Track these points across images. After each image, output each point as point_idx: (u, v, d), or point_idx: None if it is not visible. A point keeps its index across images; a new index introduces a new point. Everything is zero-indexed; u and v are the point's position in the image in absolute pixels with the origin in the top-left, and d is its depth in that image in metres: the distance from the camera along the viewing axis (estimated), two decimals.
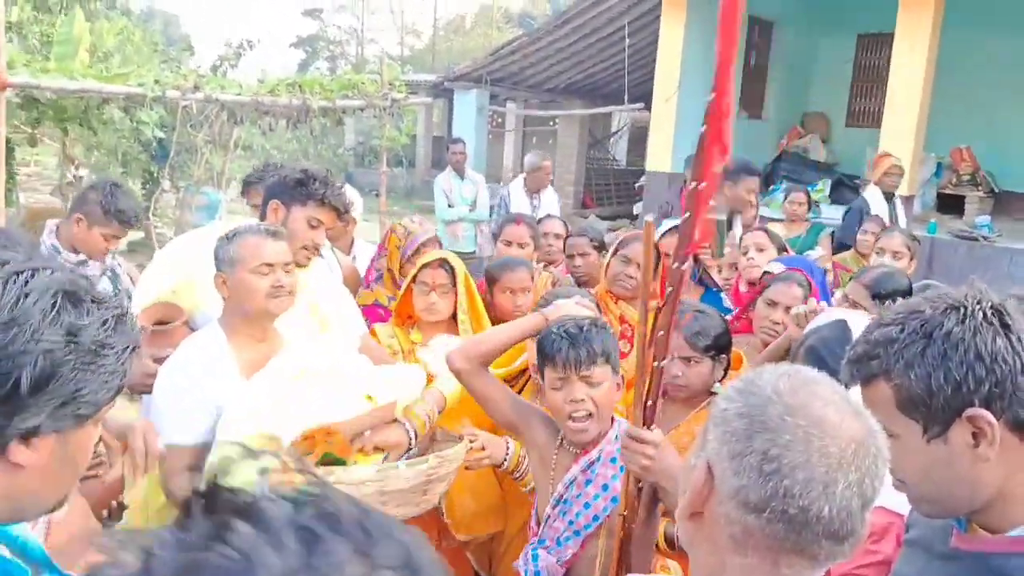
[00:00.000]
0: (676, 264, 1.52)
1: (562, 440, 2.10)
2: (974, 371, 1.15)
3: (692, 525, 1.03)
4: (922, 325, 1.20)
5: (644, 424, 1.71)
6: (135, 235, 10.29)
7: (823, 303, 2.65)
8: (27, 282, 0.98)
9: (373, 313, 3.28)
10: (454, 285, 2.80)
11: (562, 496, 2.04)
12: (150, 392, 2.37)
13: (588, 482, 2.03)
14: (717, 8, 1.46)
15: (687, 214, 1.48)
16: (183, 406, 2.10)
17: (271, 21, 42.77)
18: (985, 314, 1.18)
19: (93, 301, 1.04)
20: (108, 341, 1.03)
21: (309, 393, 1.97)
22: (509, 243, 3.82)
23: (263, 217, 2.69)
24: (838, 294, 3.43)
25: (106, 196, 3.12)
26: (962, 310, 1.19)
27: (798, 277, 3.01)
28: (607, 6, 12.23)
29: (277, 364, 2.16)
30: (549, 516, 2.06)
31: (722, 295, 3.84)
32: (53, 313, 0.98)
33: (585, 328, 1.99)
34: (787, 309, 2.84)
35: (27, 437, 1.00)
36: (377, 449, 2.03)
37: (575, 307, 2.14)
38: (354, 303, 3.00)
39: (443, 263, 2.82)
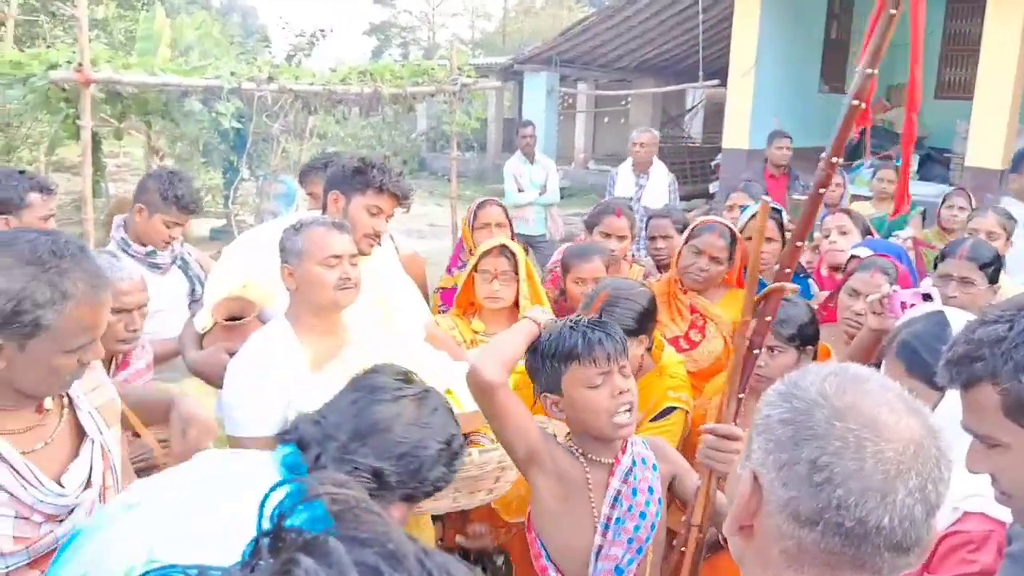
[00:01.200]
0: (796, 243, 1.42)
1: (584, 457, 1.91)
2: None
3: (742, 540, 0.96)
4: None
5: (734, 420, 1.62)
6: (217, 222, 10.59)
7: (895, 287, 2.47)
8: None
9: (449, 297, 3.32)
10: (516, 272, 2.76)
11: (610, 517, 1.85)
12: None
13: (634, 491, 1.87)
14: None
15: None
16: (253, 399, 2.11)
17: (345, 10, 43.38)
18: None
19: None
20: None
21: None
22: (608, 235, 3.63)
23: (324, 207, 2.69)
24: (926, 281, 3.24)
25: (164, 184, 3.14)
26: None
27: (882, 263, 2.84)
28: None
29: (349, 356, 2.15)
30: (601, 547, 1.84)
31: (809, 281, 3.68)
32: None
33: (597, 320, 1.91)
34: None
35: None
36: None
37: (543, 314, 1.98)
38: (416, 290, 2.99)
39: (503, 249, 2.79)
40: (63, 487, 1.54)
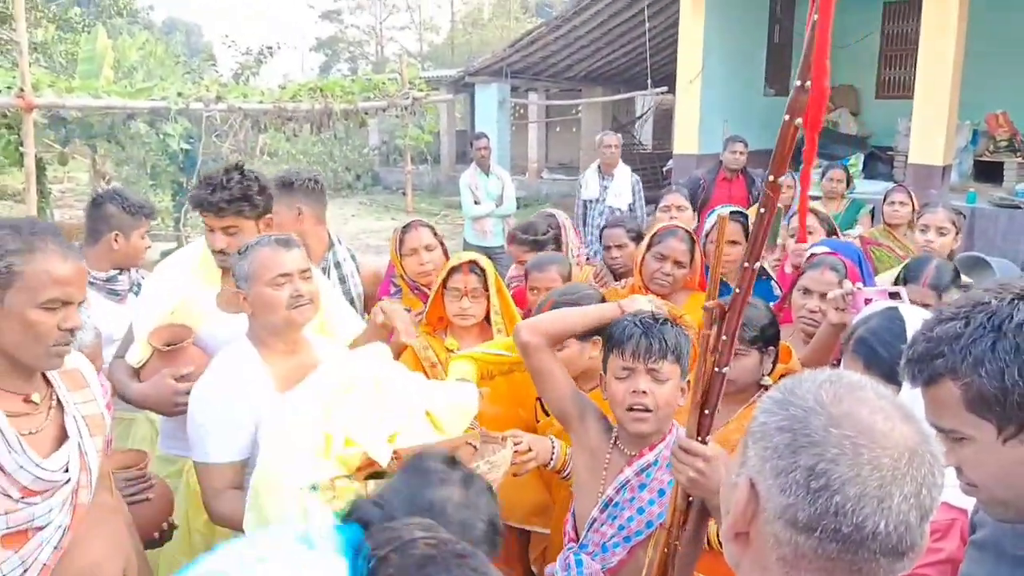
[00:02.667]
0: (746, 263, 1.43)
1: (616, 440, 2.01)
2: None
3: (737, 547, 0.97)
4: (989, 318, 1.13)
5: (698, 435, 1.63)
6: (167, 245, 10.43)
7: (858, 284, 2.53)
8: None
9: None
10: (486, 288, 2.74)
11: (612, 500, 1.95)
12: (179, 413, 2.38)
13: (642, 486, 1.94)
14: None
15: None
16: (221, 425, 2.08)
17: (291, 26, 42.99)
18: None
19: None
20: None
21: (367, 407, 1.92)
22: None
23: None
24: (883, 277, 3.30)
25: (121, 202, 3.14)
26: None
27: (831, 260, 2.89)
28: None
29: (320, 376, 2.13)
30: (596, 520, 1.97)
31: (771, 282, 3.74)
32: None
33: (661, 321, 1.94)
34: (823, 296, 2.73)
35: None
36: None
37: (648, 304, 2.07)
38: (346, 304, 3.04)
39: (473, 266, 2.77)
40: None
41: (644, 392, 1.88)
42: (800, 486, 0.87)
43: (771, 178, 1.33)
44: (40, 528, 1.64)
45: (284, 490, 1.74)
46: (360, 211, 15.70)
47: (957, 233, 3.92)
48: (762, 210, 1.36)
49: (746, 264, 1.41)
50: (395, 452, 1.81)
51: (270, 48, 12.29)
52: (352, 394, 1.98)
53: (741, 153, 6.74)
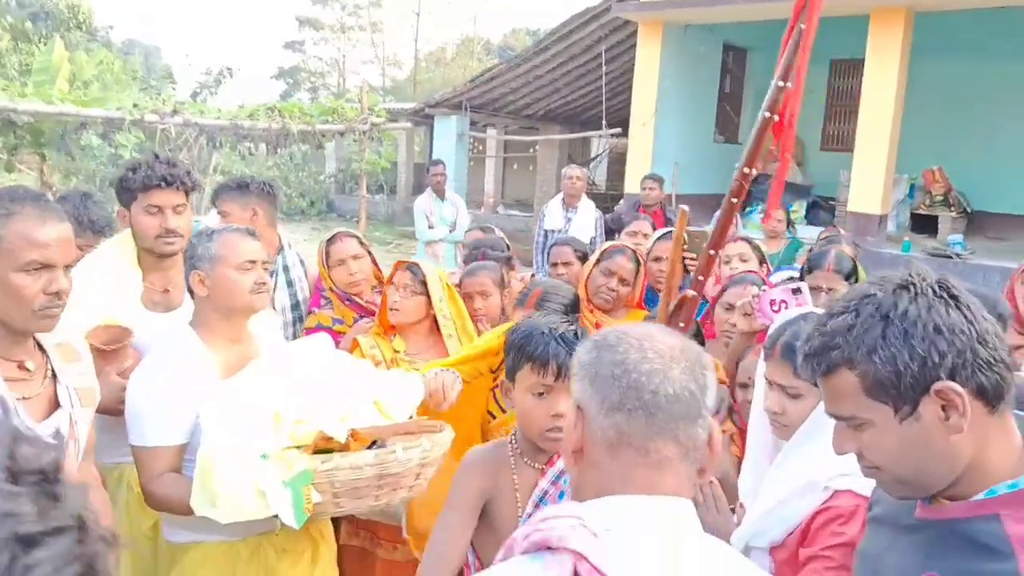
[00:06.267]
0: (711, 251, 1.52)
1: (518, 453, 1.90)
2: (936, 345, 1.16)
3: (576, 463, 1.15)
4: (877, 308, 1.21)
5: None
6: None
7: (764, 288, 2.64)
8: None
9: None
10: (423, 289, 2.81)
11: (532, 515, 1.76)
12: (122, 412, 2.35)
13: (561, 494, 1.83)
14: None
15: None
16: (162, 408, 2.09)
17: (253, 53, 42.92)
18: (934, 289, 1.20)
19: None
20: None
21: (316, 390, 1.96)
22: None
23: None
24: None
25: (79, 207, 3.05)
26: (912, 288, 1.21)
27: (751, 278, 3.01)
28: (584, 34, 12.45)
29: (264, 362, 2.16)
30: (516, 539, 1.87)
31: (708, 303, 3.87)
32: None
33: (579, 332, 1.86)
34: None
35: None
36: (359, 440, 2.02)
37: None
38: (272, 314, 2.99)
39: (410, 266, 2.85)
40: None
41: (564, 415, 1.74)
42: (608, 378, 1.10)
43: (745, 170, 1.45)
44: None
45: (234, 463, 1.76)
46: (312, 236, 15.61)
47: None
48: (733, 200, 1.46)
49: (711, 252, 1.52)
50: (352, 431, 1.85)
51: (230, 69, 12.29)
52: (299, 377, 2.02)
53: (651, 189, 6.99)
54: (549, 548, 0.99)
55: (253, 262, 2.21)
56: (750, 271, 3.15)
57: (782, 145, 1.61)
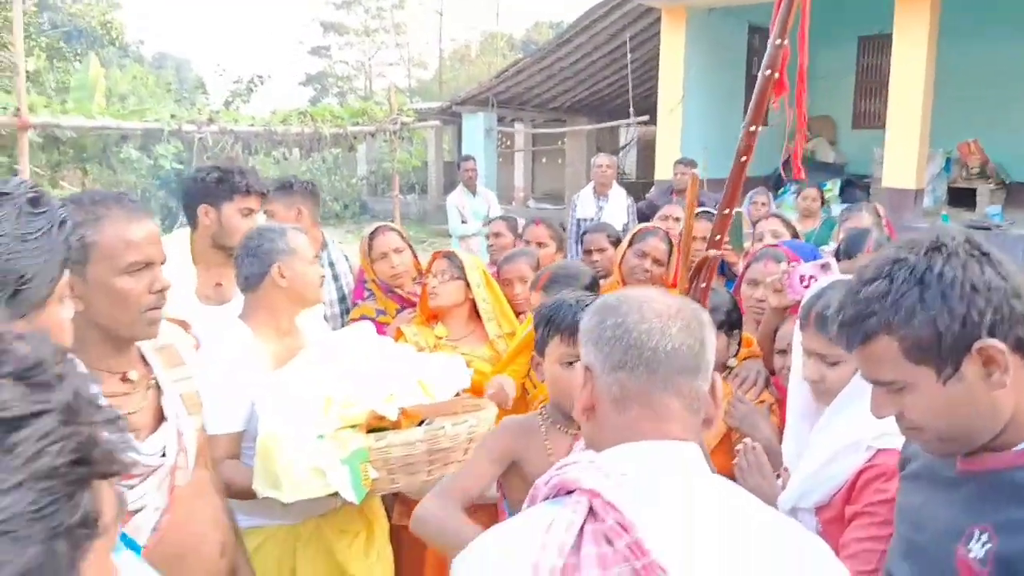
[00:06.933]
0: (727, 210, 1.56)
1: (548, 422, 1.97)
2: (975, 304, 1.17)
3: (588, 420, 1.20)
4: (911, 272, 1.21)
5: None
6: None
7: (793, 264, 2.64)
8: None
9: None
10: (461, 275, 2.89)
11: None
12: None
13: None
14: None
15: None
16: (220, 396, 2.18)
17: (280, 60, 43.47)
18: (966, 248, 1.21)
19: (1, 195, 1.18)
20: (29, 227, 1.18)
21: (363, 374, 2.04)
22: (528, 242, 3.93)
23: (192, 222, 2.73)
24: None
25: None
26: (944, 249, 1.21)
27: (773, 252, 3.01)
28: (607, 23, 12.43)
29: (313, 352, 2.24)
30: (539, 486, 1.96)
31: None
32: None
33: (548, 293, 1.98)
34: (767, 285, 2.87)
35: None
36: (409, 418, 2.11)
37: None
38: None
39: (447, 254, 2.95)
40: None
41: None
42: (609, 339, 1.16)
43: (751, 128, 1.50)
44: (136, 511, 1.59)
45: (293, 445, 1.84)
46: (346, 239, 15.83)
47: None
48: (742, 158, 1.52)
49: (726, 211, 1.57)
50: (402, 409, 1.93)
51: (261, 77, 12.50)
52: (346, 364, 2.10)
53: (683, 174, 7.01)
54: (568, 493, 1.05)
55: (317, 257, 2.37)
56: (771, 245, 3.15)
57: (797, 107, 1.67)
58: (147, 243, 1.64)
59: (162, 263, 1.68)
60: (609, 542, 0.99)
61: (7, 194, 1.16)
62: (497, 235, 4.44)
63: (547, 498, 1.08)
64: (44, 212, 1.19)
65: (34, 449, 0.53)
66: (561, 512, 1.03)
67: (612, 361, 1.15)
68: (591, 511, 1.02)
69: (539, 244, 3.86)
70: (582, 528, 1.01)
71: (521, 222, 4.47)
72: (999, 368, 1.17)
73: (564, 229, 6.88)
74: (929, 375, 1.21)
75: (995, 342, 1.17)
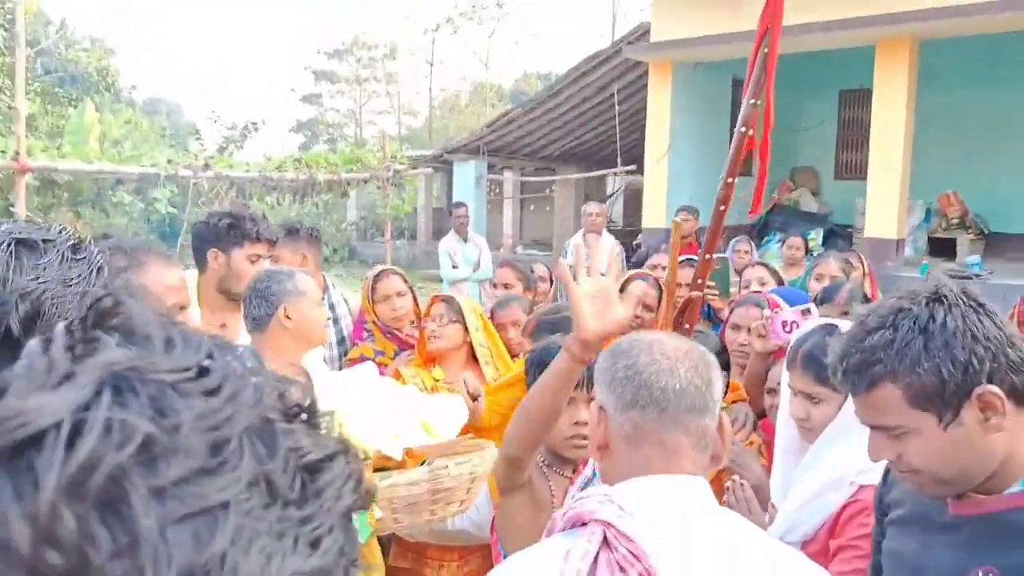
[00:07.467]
0: (707, 255, 1.65)
1: (548, 469, 2.00)
2: (975, 352, 1.23)
3: (603, 457, 1.27)
4: (914, 322, 1.26)
5: None
6: None
7: (776, 310, 2.72)
8: None
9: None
10: (459, 318, 2.96)
11: None
12: None
13: None
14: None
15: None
16: None
17: (271, 107, 43.95)
18: (964, 299, 1.27)
19: (45, 241, 1.19)
20: (71, 272, 1.20)
21: (367, 412, 2.10)
22: (495, 285, 4.06)
23: (200, 265, 2.78)
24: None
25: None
26: (945, 300, 1.27)
27: (755, 298, 3.10)
28: (596, 76, 12.74)
29: (319, 393, 2.31)
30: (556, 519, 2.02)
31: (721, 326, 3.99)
32: (15, 262, 1.13)
33: (533, 339, 2.05)
34: (750, 330, 2.95)
35: None
36: (414, 459, 2.16)
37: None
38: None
39: (445, 298, 3.03)
40: None
41: (586, 423, 1.76)
42: (622, 380, 1.23)
43: (728, 180, 1.61)
44: None
45: None
46: (336, 282, 15.87)
47: (848, 278, 4.25)
48: (721, 207, 1.63)
49: (707, 256, 1.67)
50: (407, 450, 1.98)
51: (255, 123, 12.68)
52: (351, 404, 2.16)
53: (685, 220, 7.12)
54: (584, 524, 1.11)
55: (321, 300, 2.43)
56: (754, 291, 3.26)
57: (760, 156, 1.80)
58: (181, 287, 1.74)
59: (186, 307, 1.78)
60: (622, 570, 1.05)
61: (51, 241, 1.22)
62: (507, 285, 4.40)
63: (563, 530, 1.15)
64: (84, 258, 1.24)
65: (335, 490, 0.54)
66: (577, 542, 1.09)
67: (624, 400, 1.22)
68: (605, 541, 1.08)
69: (505, 286, 3.97)
70: (597, 557, 1.06)
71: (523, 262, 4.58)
72: (996, 412, 1.23)
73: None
74: (931, 420, 1.26)
75: (993, 388, 1.22)
